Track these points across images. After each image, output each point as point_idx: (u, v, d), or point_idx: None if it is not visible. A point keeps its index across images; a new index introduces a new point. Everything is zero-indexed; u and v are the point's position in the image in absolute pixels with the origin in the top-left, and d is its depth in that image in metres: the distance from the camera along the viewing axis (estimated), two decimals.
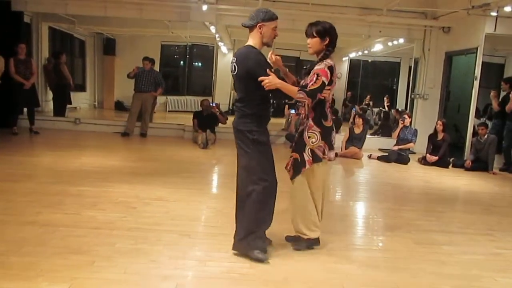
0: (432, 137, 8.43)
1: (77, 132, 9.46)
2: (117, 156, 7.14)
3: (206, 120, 9.02)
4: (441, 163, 8.14)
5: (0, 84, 7.91)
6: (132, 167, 6.32)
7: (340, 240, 3.84)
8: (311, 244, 3.48)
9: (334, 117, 11.01)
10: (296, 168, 3.37)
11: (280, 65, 3.42)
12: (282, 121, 11.86)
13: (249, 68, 3.11)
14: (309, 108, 3.29)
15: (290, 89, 3.21)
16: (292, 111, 10.49)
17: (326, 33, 3.37)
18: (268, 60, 3.26)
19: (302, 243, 3.46)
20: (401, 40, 10.85)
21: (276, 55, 3.38)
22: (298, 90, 3.19)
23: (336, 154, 8.51)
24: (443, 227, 4.49)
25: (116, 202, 4.38)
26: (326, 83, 3.20)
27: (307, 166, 3.31)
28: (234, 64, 3.18)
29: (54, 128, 9.42)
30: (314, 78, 3.18)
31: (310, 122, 3.31)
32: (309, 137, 3.30)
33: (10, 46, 8.14)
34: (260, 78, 3.06)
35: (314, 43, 3.37)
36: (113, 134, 9.40)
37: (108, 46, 14.75)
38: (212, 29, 10.24)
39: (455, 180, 7.22)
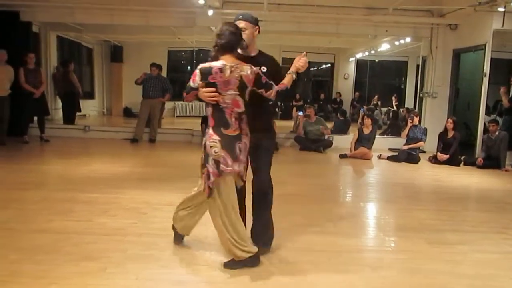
0: (442, 136, 8.36)
1: (87, 139, 9.52)
2: (127, 162, 7.17)
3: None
4: (452, 162, 8.06)
5: (10, 94, 8.00)
6: (142, 173, 6.34)
7: (351, 241, 3.81)
8: (247, 264, 3.04)
9: (342, 118, 11.02)
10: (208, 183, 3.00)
11: None
12: (290, 123, 11.85)
13: None
14: (209, 115, 3.04)
15: None
16: (300, 113, 10.46)
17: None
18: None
19: (237, 264, 3.06)
20: (408, 39, 10.79)
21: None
22: None
23: (346, 155, 8.49)
24: (456, 226, 4.44)
25: (126, 208, 4.39)
26: (192, 85, 2.98)
27: (212, 178, 2.96)
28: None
29: (64, 136, 9.49)
30: None
31: (210, 130, 3.01)
32: (210, 147, 2.98)
33: (20, 56, 8.22)
34: None
35: None
36: (122, 140, 9.45)
37: (116, 54, 14.88)
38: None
39: (466, 178, 7.14)
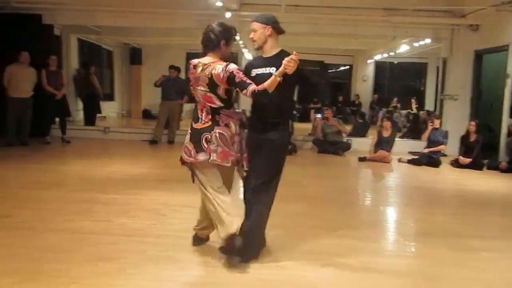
0: (464, 139, 8.19)
1: (107, 140, 9.63)
2: (146, 164, 7.22)
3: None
4: (475, 165, 7.88)
5: (32, 96, 8.15)
6: (160, 174, 6.38)
7: (370, 246, 3.75)
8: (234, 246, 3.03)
9: (361, 120, 10.90)
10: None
11: None
12: (309, 126, 11.79)
13: None
14: None
15: None
16: (318, 116, 10.40)
17: None
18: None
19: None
20: (428, 40, 10.63)
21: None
22: None
23: (365, 158, 8.39)
24: (479, 231, 4.33)
25: (145, 209, 4.41)
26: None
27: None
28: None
29: (84, 137, 9.62)
30: None
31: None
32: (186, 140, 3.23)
33: (42, 58, 8.37)
34: None
35: None
36: (141, 142, 9.53)
37: (135, 56, 15.04)
38: (236, 36, 10.27)
39: (490, 183, 6.97)
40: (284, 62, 2.84)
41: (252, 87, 2.97)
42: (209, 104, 3.11)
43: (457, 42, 9.52)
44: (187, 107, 13.55)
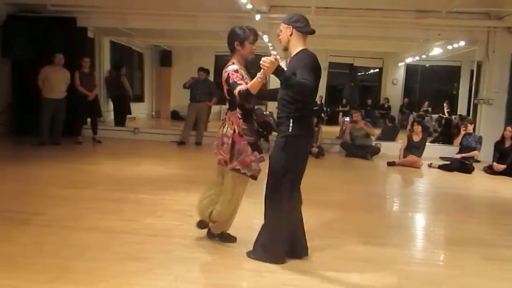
0: (499, 145, 7.94)
1: (136, 141, 9.80)
2: (174, 164, 7.30)
3: (259, 129, 9.03)
4: (509, 172, 7.61)
5: (66, 96, 8.36)
6: (188, 175, 6.43)
7: (398, 253, 3.67)
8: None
9: (390, 124, 10.73)
10: None
11: None
12: (336, 129, 11.67)
13: None
14: None
15: None
16: (346, 119, 10.28)
17: None
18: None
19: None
20: (462, 43, 10.34)
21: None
22: None
23: (394, 163, 8.23)
24: None
25: (173, 210, 4.45)
26: None
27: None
28: None
29: (114, 137, 9.81)
30: None
31: None
32: None
33: (75, 60, 8.58)
34: None
35: None
36: (170, 143, 9.64)
37: (165, 58, 15.25)
38: (265, 38, 10.28)
39: None
40: (261, 62, 2.93)
41: (239, 87, 3.05)
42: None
43: (493, 45, 9.23)
44: (215, 109, 13.66)
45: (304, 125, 3.13)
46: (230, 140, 3.30)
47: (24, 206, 4.34)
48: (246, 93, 3.03)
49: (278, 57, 2.98)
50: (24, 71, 8.91)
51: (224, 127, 3.37)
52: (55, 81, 8.18)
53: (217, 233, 3.55)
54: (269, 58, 2.90)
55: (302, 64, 3.01)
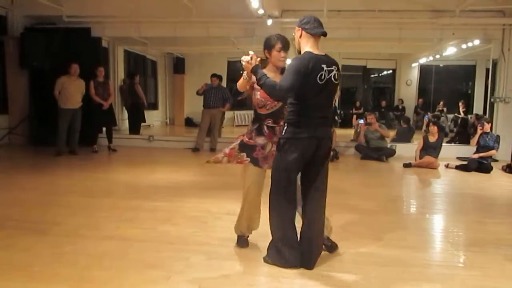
0: None
1: (151, 148, 9.87)
2: (189, 171, 7.32)
3: None
4: None
5: (81, 106, 8.47)
6: (203, 182, 6.45)
7: (417, 255, 3.61)
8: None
9: (405, 125, 10.62)
10: None
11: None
12: (350, 131, 11.59)
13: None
14: None
15: None
16: (361, 121, 10.21)
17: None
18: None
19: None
20: (477, 42, 10.21)
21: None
22: None
23: (410, 164, 8.14)
24: None
25: (188, 217, 4.46)
26: None
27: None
28: (336, 72, 3.13)
29: (130, 145, 9.91)
30: None
31: None
32: None
33: (90, 69, 8.71)
34: None
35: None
36: (184, 149, 9.69)
37: (178, 65, 15.37)
38: (276, 42, 10.28)
39: None
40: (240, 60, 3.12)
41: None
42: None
43: (508, 43, 9.10)
44: (229, 114, 13.70)
45: (301, 128, 3.10)
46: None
47: (42, 216, 4.40)
48: (234, 90, 3.39)
49: (254, 56, 3.11)
50: (41, 82, 9.09)
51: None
52: (71, 91, 8.30)
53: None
54: (246, 57, 3.08)
55: (288, 66, 3.11)
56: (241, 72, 3.27)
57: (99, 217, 4.39)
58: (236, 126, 14.97)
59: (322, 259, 3.35)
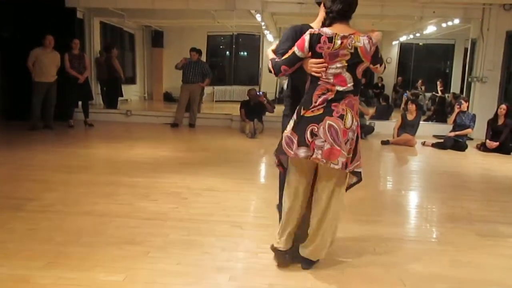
0: (492, 122, 7.96)
1: (129, 123, 9.72)
2: (167, 147, 7.25)
3: (253, 110, 9.00)
4: (502, 150, 7.67)
5: (56, 79, 8.23)
6: (182, 158, 6.40)
7: (392, 231, 3.68)
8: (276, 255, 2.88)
9: (384, 103, 10.68)
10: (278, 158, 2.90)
11: None
12: None
13: None
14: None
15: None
16: None
17: None
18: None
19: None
20: (457, 21, 10.27)
21: None
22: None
23: (388, 142, 8.25)
24: (509, 218, 4.20)
25: (167, 193, 4.43)
26: (299, 54, 2.63)
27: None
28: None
29: (106, 120, 9.72)
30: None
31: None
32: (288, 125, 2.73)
33: (65, 41, 8.42)
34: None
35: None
36: (163, 125, 9.58)
37: (156, 39, 15.04)
38: (258, 17, 10.14)
39: None
40: None
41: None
42: (337, 87, 2.60)
43: (488, 23, 9.18)
44: (208, 90, 13.56)
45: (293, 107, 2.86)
46: (356, 134, 2.70)
47: (16, 192, 4.30)
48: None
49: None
50: (14, 54, 8.73)
51: (344, 118, 2.60)
52: (46, 64, 8.04)
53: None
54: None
55: None
56: None
57: (76, 193, 4.32)
58: (216, 101, 14.84)
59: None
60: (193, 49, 9.55)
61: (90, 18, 11.08)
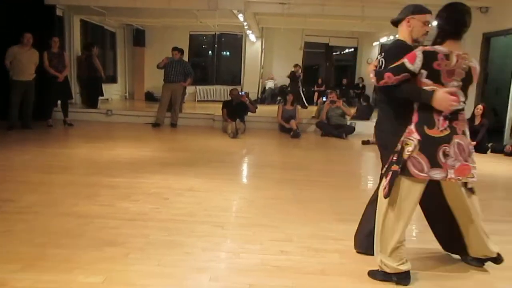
0: (469, 122, 8.09)
1: (109, 123, 9.61)
2: (149, 147, 7.20)
3: (235, 109, 9.00)
4: (479, 149, 7.79)
5: (34, 78, 8.08)
6: (164, 158, 6.36)
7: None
8: (388, 278, 2.78)
9: (365, 103, 10.81)
10: (392, 182, 2.69)
11: None
12: (312, 109, 11.71)
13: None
14: (415, 109, 2.72)
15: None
16: (325, 99, 10.35)
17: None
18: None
19: (377, 274, 2.84)
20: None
21: None
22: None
23: (368, 142, 8.34)
24: (485, 215, 4.21)
25: (149, 193, 4.40)
26: (408, 65, 2.62)
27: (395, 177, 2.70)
28: (381, 59, 2.94)
29: (86, 119, 9.60)
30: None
31: (411, 126, 2.67)
32: (406, 144, 2.66)
33: (44, 39, 8.28)
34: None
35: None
36: (144, 124, 9.50)
37: (138, 38, 14.93)
38: (240, 17, 10.15)
39: (495, 166, 6.94)
40: None
41: None
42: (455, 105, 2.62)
43: None
44: (190, 89, 13.50)
45: None
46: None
47: None
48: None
49: None
50: None
51: (465, 134, 2.70)
52: (24, 62, 7.90)
53: None
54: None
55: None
56: None
57: (56, 194, 4.26)
58: (198, 101, 14.79)
59: (279, 235, 3.42)
60: (175, 48, 9.50)
61: (70, 15, 10.94)
